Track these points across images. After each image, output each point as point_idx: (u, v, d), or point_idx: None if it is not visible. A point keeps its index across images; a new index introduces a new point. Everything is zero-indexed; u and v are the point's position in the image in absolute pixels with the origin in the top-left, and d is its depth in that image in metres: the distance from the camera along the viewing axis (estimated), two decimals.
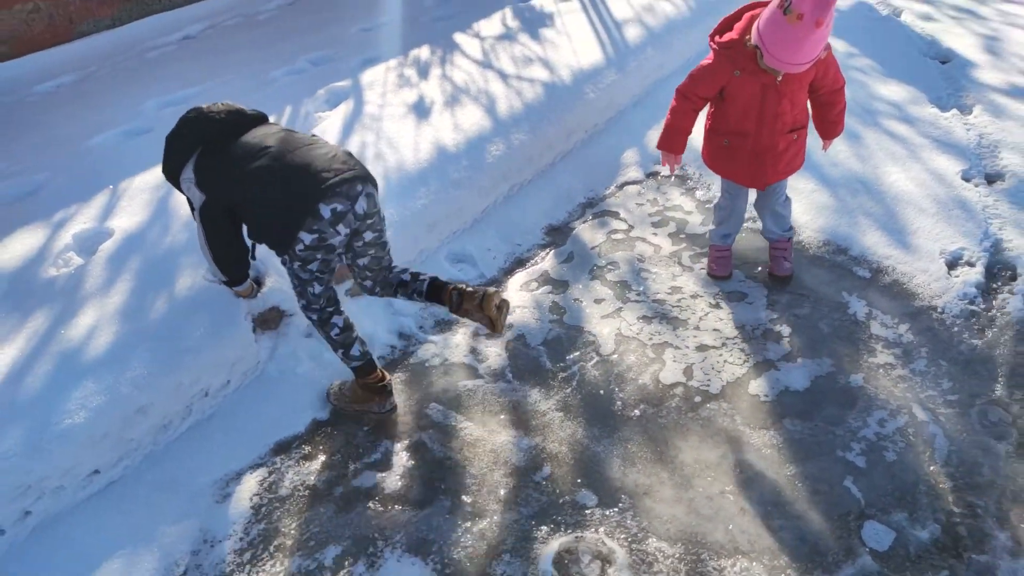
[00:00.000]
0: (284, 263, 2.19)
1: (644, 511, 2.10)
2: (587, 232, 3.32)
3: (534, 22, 4.68)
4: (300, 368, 2.58)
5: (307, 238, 2.04)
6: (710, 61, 2.48)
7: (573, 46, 4.33)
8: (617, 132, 4.04)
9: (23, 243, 2.71)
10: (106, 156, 3.31)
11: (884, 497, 2.09)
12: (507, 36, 4.46)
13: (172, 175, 2.21)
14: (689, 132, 2.61)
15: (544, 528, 2.07)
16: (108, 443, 2.15)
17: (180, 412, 2.34)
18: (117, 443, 2.17)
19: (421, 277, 2.40)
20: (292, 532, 2.08)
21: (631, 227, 3.33)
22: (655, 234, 3.28)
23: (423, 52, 4.28)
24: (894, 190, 3.32)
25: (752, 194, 2.90)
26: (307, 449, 2.34)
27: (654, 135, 3.95)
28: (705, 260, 3.06)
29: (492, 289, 2.34)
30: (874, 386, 2.45)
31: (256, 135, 2.14)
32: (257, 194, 2.06)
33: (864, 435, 2.28)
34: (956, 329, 2.64)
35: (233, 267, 2.32)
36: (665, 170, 3.68)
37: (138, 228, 2.78)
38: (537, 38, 4.44)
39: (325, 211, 2.01)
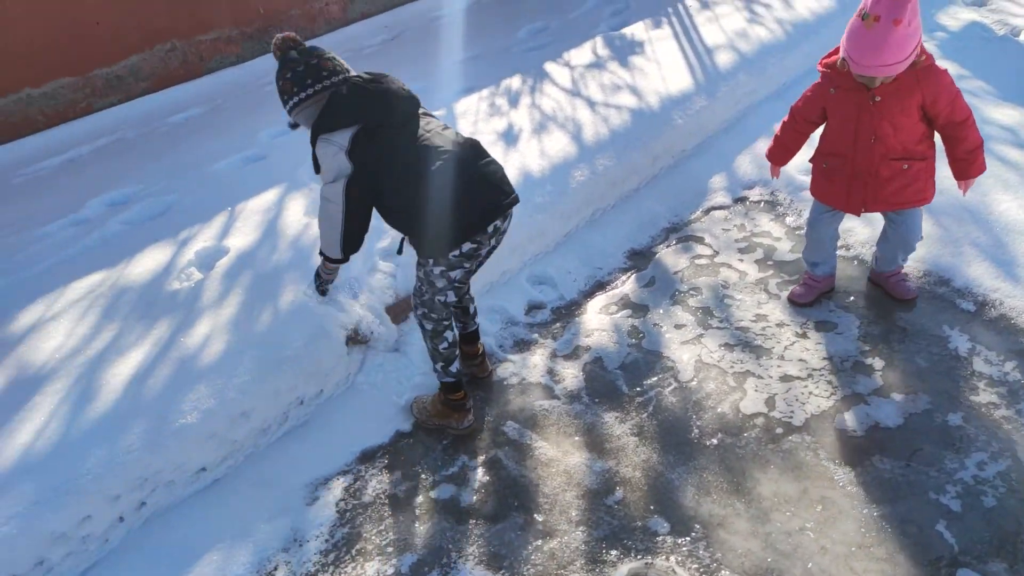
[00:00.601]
0: (422, 266, 2.25)
1: (717, 542, 2.08)
2: (670, 257, 3.32)
3: (624, 50, 4.74)
4: (386, 382, 2.72)
5: (466, 247, 2.16)
6: (816, 82, 2.57)
7: (662, 73, 4.36)
8: (705, 157, 4.01)
9: (153, 258, 3.02)
10: (226, 180, 3.63)
11: (980, 544, 1.97)
12: (597, 64, 4.54)
13: (317, 131, 2.11)
14: (793, 148, 2.75)
15: (614, 552, 2.09)
16: (215, 443, 2.35)
17: (278, 418, 2.53)
18: (222, 443, 2.38)
19: (474, 317, 2.67)
20: (373, 538, 2.20)
21: (716, 252, 3.31)
22: (741, 260, 3.23)
23: (514, 81, 4.43)
24: (1004, 219, 3.12)
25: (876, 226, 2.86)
26: (389, 459, 2.47)
27: (743, 160, 3.92)
28: (793, 287, 2.99)
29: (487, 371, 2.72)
30: (974, 426, 2.31)
31: (427, 130, 2.19)
32: (434, 195, 2.09)
33: (961, 477, 2.16)
34: None
35: (355, 246, 2.28)
36: (754, 194, 3.64)
37: (250, 247, 3.03)
38: (626, 65, 4.49)
39: (490, 226, 2.16)
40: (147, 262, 2.99)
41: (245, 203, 3.35)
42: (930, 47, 4.57)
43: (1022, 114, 3.87)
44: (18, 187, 3.82)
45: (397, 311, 2.91)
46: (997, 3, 5.27)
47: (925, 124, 2.46)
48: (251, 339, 2.55)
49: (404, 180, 2.12)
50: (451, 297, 2.31)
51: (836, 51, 2.48)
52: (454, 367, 2.42)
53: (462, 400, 2.49)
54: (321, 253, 2.35)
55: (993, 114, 3.88)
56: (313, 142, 2.12)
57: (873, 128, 2.42)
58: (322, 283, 2.61)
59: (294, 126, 2.25)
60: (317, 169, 2.18)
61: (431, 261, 2.21)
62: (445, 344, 2.39)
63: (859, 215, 2.66)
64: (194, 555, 2.16)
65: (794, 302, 2.90)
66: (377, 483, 2.38)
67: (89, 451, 2.16)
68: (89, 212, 3.47)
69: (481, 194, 2.14)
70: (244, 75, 5.06)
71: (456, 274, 2.23)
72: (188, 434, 2.28)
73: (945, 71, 2.36)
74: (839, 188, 2.61)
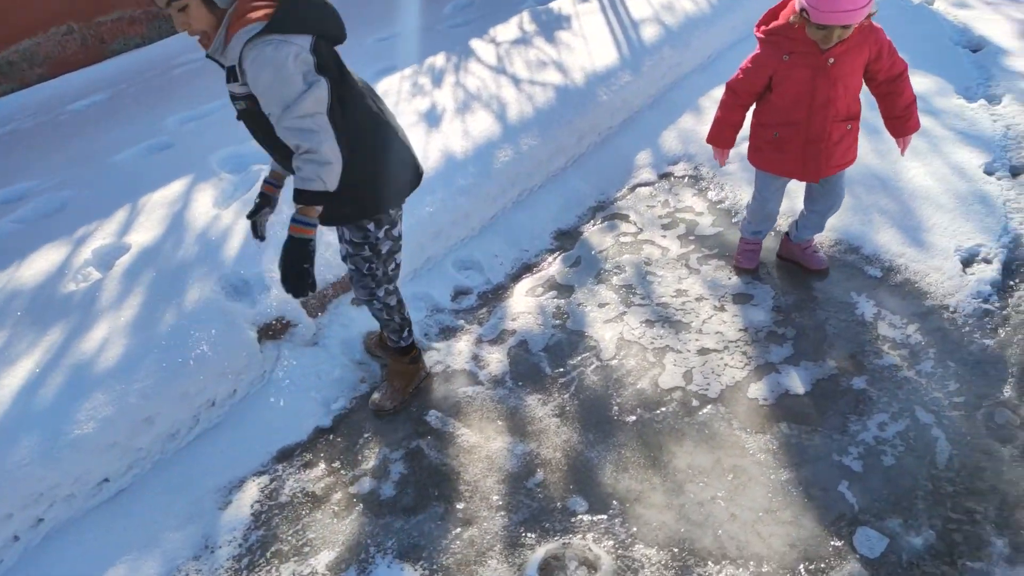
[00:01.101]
0: (363, 239, 2.09)
1: (633, 517, 2.10)
2: (596, 236, 3.32)
3: (551, 25, 4.68)
4: (305, 377, 2.64)
5: (399, 205, 2.16)
6: (757, 52, 2.45)
7: (588, 48, 4.32)
8: (631, 134, 4.01)
9: (46, 259, 2.85)
10: (129, 172, 3.45)
11: (879, 503, 2.04)
12: (522, 40, 4.47)
13: (263, 31, 1.68)
14: (739, 126, 2.62)
15: (532, 534, 2.09)
16: (117, 452, 2.25)
17: (187, 421, 2.43)
18: (126, 452, 2.27)
19: None
20: (289, 538, 2.15)
21: (640, 230, 3.31)
22: (664, 236, 3.25)
23: (438, 60, 4.33)
24: (912, 186, 3.22)
25: (793, 196, 2.83)
26: (308, 456, 2.40)
27: (669, 135, 3.93)
28: (713, 261, 3.02)
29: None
30: (877, 389, 2.39)
31: (360, 80, 2.00)
32: (389, 146, 1.99)
33: (863, 439, 2.23)
34: (967, 329, 2.55)
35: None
36: (679, 170, 3.66)
37: (153, 242, 2.89)
38: (552, 41, 4.43)
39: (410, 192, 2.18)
40: (40, 263, 2.82)
41: (149, 196, 3.19)
42: None
43: (933, 80, 3.98)
44: None
45: (314, 303, 2.82)
46: None
47: (861, 82, 2.46)
48: (154, 340, 2.43)
49: (362, 125, 1.92)
50: (399, 259, 2.28)
51: (772, 16, 2.42)
52: (411, 328, 2.49)
53: (417, 352, 2.56)
54: (302, 196, 1.79)
55: None
56: (242, 47, 1.69)
57: (827, 91, 2.36)
58: (308, 256, 1.87)
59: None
60: (238, 80, 1.75)
61: (375, 224, 2.08)
62: (406, 308, 2.42)
63: (818, 182, 2.60)
64: (98, 570, 2.06)
65: (745, 269, 2.93)
66: (295, 482, 2.32)
67: None
68: None
69: (412, 156, 2.14)
70: (150, 57, 4.80)
71: (399, 230, 2.20)
72: (85, 444, 2.16)
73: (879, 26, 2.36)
74: (792, 157, 2.53)
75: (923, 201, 3.12)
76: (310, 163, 1.76)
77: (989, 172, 3.26)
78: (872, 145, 3.50)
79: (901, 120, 2.49)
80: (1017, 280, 2.72)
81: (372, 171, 2.01)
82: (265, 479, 2.33)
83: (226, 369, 2.49)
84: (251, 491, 2.29)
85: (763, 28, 2.41)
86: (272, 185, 2.18)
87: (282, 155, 1.92)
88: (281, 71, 1.68)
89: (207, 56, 1.80)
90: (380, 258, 2.19)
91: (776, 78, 2.42)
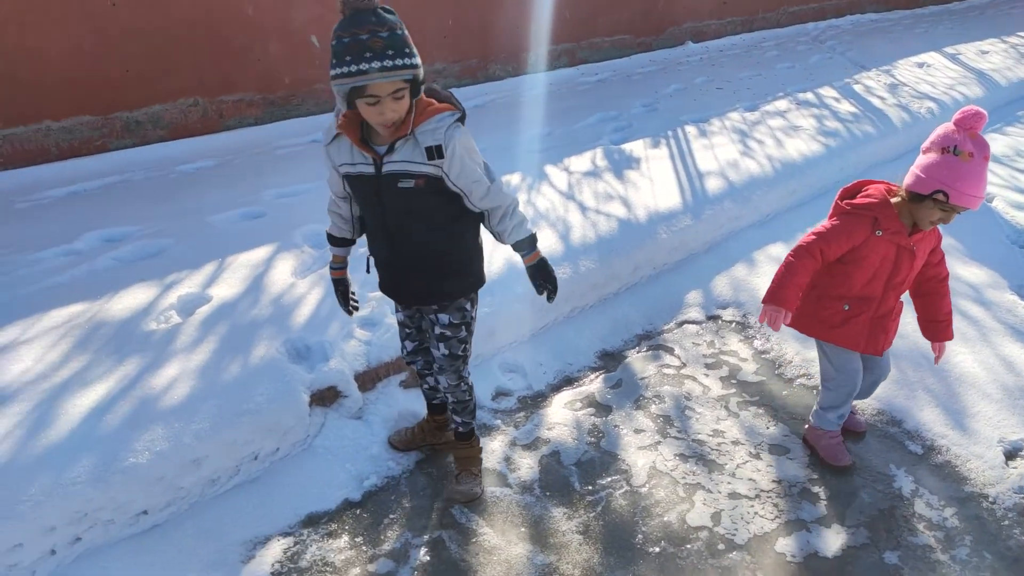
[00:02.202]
0: (467, 311, 2.32)
1: None
2: (639, 362, 3.42)
3: (622, 164, 5.02)
4: (343, 448, 2.74)
5: None
6: (842, 221, 2.44)
7: (654, 189, 4.61)
8: (685, 273, 4.19)
9: (136, 297, 3.09)
10: (222, 232, 3.75)
11: None
12: (593, 173, 4.80)
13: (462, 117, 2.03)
14: (803, 288, 2.50)
15: None
16: (162, 487, 2.35)
17: (229, 470, 2.53)
18: (169, 488, 2.37)
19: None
20: None
21: (684, 364, 3.41)
22: (707, 375, 3.33)
23: (514, 178, 4.67)
24: (959, 371, 3.26)
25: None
26: (334, 526, 2.46)
27: (721, 281, 4.10)
28: (753, 408, 3.08)
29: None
30: (909, 567, 2.35)
31: None
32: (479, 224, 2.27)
33: None
34: (1007, 523, 2.51)
35: None
36: (727, 314, 3.78)
37: (232, 298, 3.12)
38: (621, 178, 4.75)
39: None
40: (129, 300, 3.06)
41: (236, 256, 3.46)
42: None
43: (988, 274, 4.09)
44: (20, 212, 3.92)
45: (365, 379, 2.96)
46: None
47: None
48: (215, 388, 2.59)
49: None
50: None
51: (856, 191, 2.50)
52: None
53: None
54: (531, 238, 2.24)
55: (960, 271, 4.10)
56: (446, 128, 1.96)
57: (908, 272, 2.44)
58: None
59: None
60: (431, 159, 1.97)
61: (471, 303, 2.35)
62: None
63: (880, 355, 2.62)
64: None
65: (842, 465, 2.74)
66: (317, 549, 2.36)
67: (34, 477, 2.16)
68: (83, 244, 3.57)
69: None
70: (260, 136, 5.30)
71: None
72: (135, 474, 2.28)
73: None
74: (862, 331, 2.54)
75: (970, 388, 3.15)
76: (519, 212, 2.20)
77: None
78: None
79: (943, 325, 2.58)
80: None
81: (478, 247, 2.30)
82: (290, 541, 2.38)
83: (275, 426, 2.61)
84: (275, 550, 2.34)
85: (851, 202, 2.46)
86: (342, 270, 2.43)
87: (424, 228, 2.13)
88: (476, 149, 2.09)
89: (364, 144, 2.00)
90: (471, 338, 2.39)
91: (860, 251, 2.43)
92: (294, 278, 3.29)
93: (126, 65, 4.68)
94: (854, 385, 2.66)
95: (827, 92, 7.08)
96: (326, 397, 2.83)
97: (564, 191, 4.49)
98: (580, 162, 5.02)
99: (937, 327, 2.61)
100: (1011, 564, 2.36)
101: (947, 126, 2.26)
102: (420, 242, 2.16)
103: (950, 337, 2.62)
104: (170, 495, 2.39)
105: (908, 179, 2.35)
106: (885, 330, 2.56)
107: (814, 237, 2.46)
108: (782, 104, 6.66)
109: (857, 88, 7.29)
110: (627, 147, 5.36)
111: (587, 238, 3.93)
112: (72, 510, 2.16)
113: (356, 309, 2.44)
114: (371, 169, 2.04)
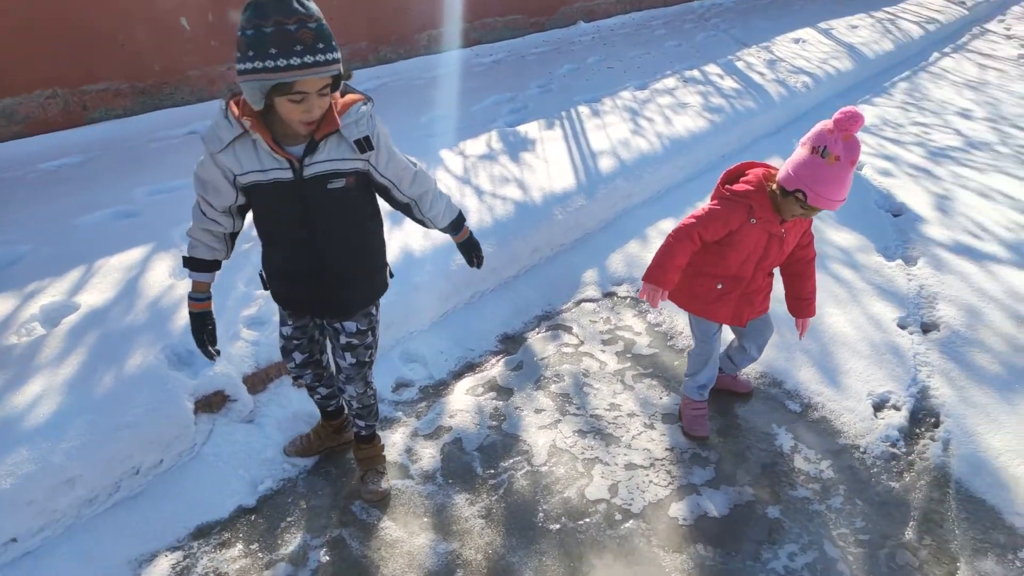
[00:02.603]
0: (371, 318, 2.26)
1: None
2: (539, 343, 3.46)
3: (517, 146, 5.04)
4: (235, 454, 2.63)
5: None
6: (721, 207, 2.51)
7: (549, 170, 4.65)
8: (581, 253, 4.26)
9: None
10: (90, 235, 3.50)
11: None
12: (489, 156, 4.79)
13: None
14: (682, 268, 2.60)
15: None
16: (32, 511, 2.18)
17: (108, 487, 2.38)
18: (41, 512, 2.21)
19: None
20: None
21: (582, 342, 3.48)
22: (603, 351, 3.41)
23: None
24: (832, 331, 3.49)
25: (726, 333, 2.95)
26: (227, 535, 2.36)
27: (616, 258, 4.20)
28: (647, 380, 3.18)
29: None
30: (790, 519, 2.51)
31: None
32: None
33: (773, 567, 2.32)
34: (875, 470, 2.73)
35: None
36: (622, 290, 3.88)
37: (104, 304, 2.92)
38: (517, 160, 4.77)
39: None
40: None
41: (107, 259, 3.24)
42: None
43: (857, 238, 4.39)
44: None
45: (255, 381, 2.85)
46: None
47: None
48: (87, 402, 2.42)
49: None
50: None
51: (736, 176, 2.57)
52: None
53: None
54: (460, 218, 2.36)
55: (832, 236, 4.38)
56: (368, 118, 1.92)
57: (776, 255, 2.58)
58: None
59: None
60: (361, 152, 1.91)
61: (375, 308, 2.28)
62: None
63: (744, 326, 2.76)
64: None
65: (697, 436, 2.84)
66: (209, 560, 2.27)
67: None
68: None
69: None
70: (129, 129, 4.96)
71: None
72: (1, 500, 2.10)
73: None
74: (729, 306, 2.69)
75: (841, 346, 3.39)
76: (442, 192, 2.21)
77: (902, 326, 3.57)
78: None
79: (806, 302, 2.74)
80: (922, 428, 2.94)
81: (383, 244, 2.24)
82: (179, 555, 2.27)
83: (156, 438, 2.47)
84: (162, 567, 2.23)
85: (731, 188, 2.54)
86: (207, 301, 2.12)
87: (350, 229, 2.05)
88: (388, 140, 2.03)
89: (276, 146, 1.82)
90: (376, 342, 2.32)
91: (736, 236, 2.53)
92: (172, 279, 3.12)
93: None
94: (709, 353, 2.81)
95: (712, 69, 7.35)
96: (213, 403, 2.70)
97: (460, 175, 4.46)
98: (475, 145, 5.00)
99: (801, 304, 2.77)
100: (879, 507, 2.56)
101: (825, 124, 2.29)
102: (350, 247, 2.07)
103: (812, 314, 2.78)
104: (43, 519, 2.22)
105: (780, 172, 2.43)
106: (751, 303, 2.70)
107: (693, 220, 2.54)
108: (671, 82, 6.86)
109: (739, 64, 7.61)
110: (522, 129, 5.38)
111: (484, 222, 3.92)
112: None
113: (219, 353, 2.15)
114: (288, 174, 1.87)
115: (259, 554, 2.31)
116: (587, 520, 2.48)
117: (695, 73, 7.18)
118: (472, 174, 4.49)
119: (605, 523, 2.47)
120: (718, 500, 2.58)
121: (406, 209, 2.17)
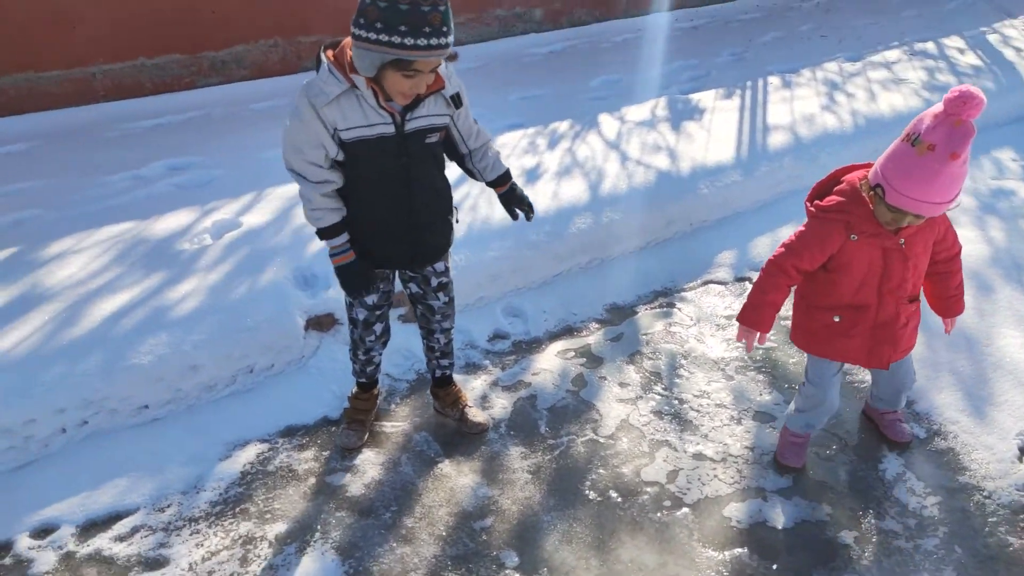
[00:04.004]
0: (450, 253, 2.48)
1: None
2: (647, 318, 3.36)
3: (683, 114, 4.80)
4: (333, 371, 2.94)
5: None
6: (810, 229, 2.16)
7: (708, 142, 4.39)
8: (725, 232, 4.00)
9: (178, 220, 3.42)
10: (271, 166, 4.01)
11: None
12: (648, 123, 4.63)
13: None
14: (780, 308, 2.27)
15: (457, 571, 2.18)
16: (162, 386, 2.65)
17: (226, 379, 2.80)
18: (169, 389, 2.68)
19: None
20: (259, 502, 2.41)
21: (694, 323, 3.31)
22: (712, 336, 3.22)
23: (563, 125, 4.61)
24: (1000, 354, 2.94)
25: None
26: (306, 439, 2.67)
27: (762, 243, 3.89)
28: (752, 373, 2.96)
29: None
30: (863, 549, 2.22)
31: None
32: None
33: None
34: (995, 520, 2.30)
35: None
36: (756, 277, 3.60)
37: (260, 225, 3.37)
38: (677, 129, 4.56)
39: None
40: (172, 222, 3.39)
41: (274, 188, 3.71)
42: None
43: None
44: (107, 140, 4.40)
45: None
46: None
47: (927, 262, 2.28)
48: (221, 304, 2.85)
49: None
50: None
51: (825, 190, 2.21)
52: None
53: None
54: (508, 171, 2.49)
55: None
56: (454, 73, 2.09)
57: (901, 274, 2.14)
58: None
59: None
60: (457, 105, 2.11)
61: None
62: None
63: (887, 368, 2.32)
64: (110, 476, 2.45)
65: (789, 466, 2.52)
66: (286, 456, 2.59)
67: (51, 365, 2.51)
68: (148, 171, 3.97)
69: None
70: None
71: None
72: (138, 372, 2.59)
73: None
74: (859, 343, 2.25)
75: (1006, 374, 2.85)
76: (495, 150, 2.34)
77: None
78: (975, 303, 3.23)
79: (952, 300, 2.35)
80: None
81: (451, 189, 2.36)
82: (265, 447, 2.63)
83: (271, 344, 2.84)
84: (249, 453, 2.60)
85: (819, 204, 2.16)
86: (345, 252, 2.17)
87: (439, 178, 2.24)
88: None
89: (383, 102, 1.92)
90: None
91: (839, 258, 2.14)
92: None
93: (212, 7, 5.03)
94: (821, 399, 2.39)
95: (952, 42, 6.32)
96: (324, 323, 3.03)
97: (610, 140, 4.38)
98: (639, 111, 4.85)
99: (946, 303, 2.38)
100: (982, 562, 2.17)
101: (936, 107, 1.88)
102: (437, 196, 2.24)
103: (960, 311, 2.39)
104: (170, 395, 2.69)
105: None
106: (893, 341, 2.24)
107: (783, 250, 2.20)
108: (892, 54, 6.03)
109: (992, 38, 6.45)
110: (695, 97, 5.10)
111: (618, 189, 3.84)
112: (80, 397, 2.50)
113: (378, 290, 2.35)
114: (391, 129, 1.95)
115: (327, 461, 2.58)
116: (633, 499, 2.42)
117: (928, 46, 6.23)
118: (623, 140, 4.39)
119: (651, 506, 2.39)
120: (785, 511, 2.36)
121: (460, 159, 2.28)
